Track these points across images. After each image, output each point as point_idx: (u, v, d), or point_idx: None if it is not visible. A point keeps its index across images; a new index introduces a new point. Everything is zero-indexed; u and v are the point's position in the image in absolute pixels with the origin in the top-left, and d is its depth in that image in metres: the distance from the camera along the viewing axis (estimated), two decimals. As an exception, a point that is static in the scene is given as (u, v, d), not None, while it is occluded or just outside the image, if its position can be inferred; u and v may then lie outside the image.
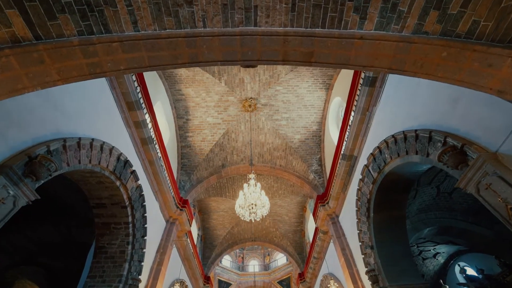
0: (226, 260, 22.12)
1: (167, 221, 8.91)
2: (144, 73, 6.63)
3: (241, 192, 5.40)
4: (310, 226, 14.26)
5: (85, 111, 4.71)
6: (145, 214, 6.79)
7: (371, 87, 5.93)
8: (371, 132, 6.49)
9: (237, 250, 23.58)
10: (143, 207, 6.72)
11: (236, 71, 8.85)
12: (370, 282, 6.22)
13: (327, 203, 9.18)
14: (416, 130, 4.41)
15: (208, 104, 9.78)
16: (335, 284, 7.30)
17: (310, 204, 13.32)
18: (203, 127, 10.36)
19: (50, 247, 9.64)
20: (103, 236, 6.21)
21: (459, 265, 11.76)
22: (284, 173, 11.67)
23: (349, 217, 8.16)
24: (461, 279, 12.11)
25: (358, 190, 6.90)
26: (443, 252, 12.29)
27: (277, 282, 20.83)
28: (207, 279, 13.61)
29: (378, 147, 5.77)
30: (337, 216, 9.09)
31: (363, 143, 6.88)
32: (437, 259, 12.71)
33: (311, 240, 12.77)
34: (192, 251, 10.98)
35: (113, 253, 6.12)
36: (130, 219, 6.21)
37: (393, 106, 5.36)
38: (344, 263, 7.82)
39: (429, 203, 8.95)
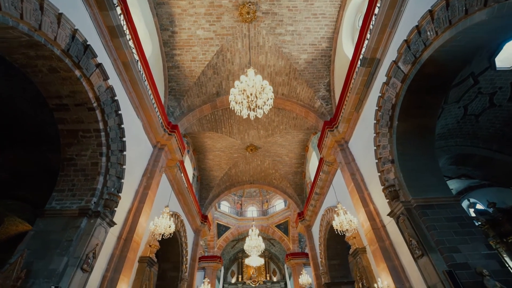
0: (225, 206, 22.11)
1: (154, 146, 7.88)
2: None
3: (237, 82, 4.13)
4: (312, 166, 13.50)
5: None
6: (122, 125, 5.65)
7: None
8: (403, 19, 5.03)
9: (235, 197, 23.51)
10: (118, 116, 5.54)
11: (230, -40, 6.99)
12: (388, 199, 5.38)
13: (336, 127, 8.09)
14: (493, -37, 3.01)
15: (197, 11, 8.05)
16: (343, 207, 6.57)
17: (313, 142, 12.34)
18: (193, 43, 8.76)
19: (27, 177, 8.75)
20: (70, 146, 5.13)
21: (468, 200, 11.25)
22: (286, 103, 10.41)
23: (361, 140, 7.14)
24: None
25: (380, 97, 5.71)
26: (452, 189, 11.71)
27: (275, 226, 21.09)
28: (204, 218, 13.25)
29: (416, 26, 4.40)
30: (347, 142, 8.09)
31: (391, 38, 5.47)
32: (443, 197, 12.21)
33: (312, 180, 12.09)
34: (186, 185, 10.24)
35: (84, 165, 5.11)
36: (101, 125, 5.07)
37: (448, -44, 3.84)
38: (354, 188, 7.00)
39: (451, 127, 7.88)
